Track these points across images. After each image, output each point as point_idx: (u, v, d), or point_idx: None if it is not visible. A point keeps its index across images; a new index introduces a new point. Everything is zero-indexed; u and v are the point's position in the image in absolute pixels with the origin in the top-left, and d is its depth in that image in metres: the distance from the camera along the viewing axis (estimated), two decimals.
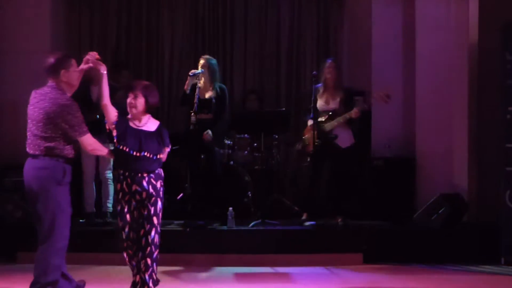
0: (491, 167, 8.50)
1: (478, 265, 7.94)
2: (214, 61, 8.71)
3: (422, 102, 9.36)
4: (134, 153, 5.81)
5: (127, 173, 5.84)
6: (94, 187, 8.59)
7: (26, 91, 9.63)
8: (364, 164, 9.71)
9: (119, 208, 5.92)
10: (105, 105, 5.88)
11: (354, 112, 8.44)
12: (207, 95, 8.58)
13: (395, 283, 7.15)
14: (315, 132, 8.46)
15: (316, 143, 8.43)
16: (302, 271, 7.71)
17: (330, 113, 8.59)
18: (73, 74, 5.81)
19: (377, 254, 8.06)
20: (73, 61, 5.85)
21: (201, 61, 8.62)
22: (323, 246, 8.14)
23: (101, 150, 5.89)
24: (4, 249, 8.03)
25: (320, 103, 8.64)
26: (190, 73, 8.48)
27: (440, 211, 8.45)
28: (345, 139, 8.57)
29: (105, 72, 5.92)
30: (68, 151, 5.69)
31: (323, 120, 8.59)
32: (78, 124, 5.66)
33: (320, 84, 8.71)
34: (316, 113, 8.57)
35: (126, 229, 5.88)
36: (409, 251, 8.14)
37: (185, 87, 8.54)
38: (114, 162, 5.73)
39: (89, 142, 5.75)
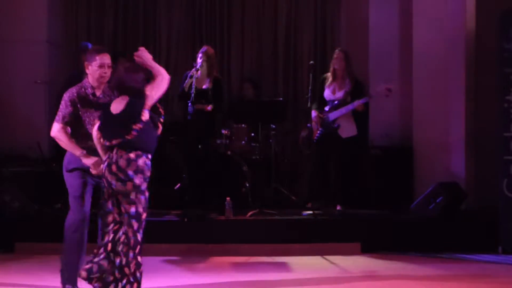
0: (489, 155, 8.51)
1: (475, 253, 7.95)
2: (213, 52, 8.72)
3: (420, 91, 9.35)
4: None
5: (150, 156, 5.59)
6: None
7: (24, 81, 9.77)
8: (362, 153, 9.71)
9: (148, 195, 5.55)
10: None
11: (357, 107, 8.46)
12: (204, 86, 8.58)
13: (393, 272, 7.16)
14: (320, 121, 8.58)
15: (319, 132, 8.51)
16: (300, 260, 7.72)
17: (336, 103, 8.59)
18: (93, 68, 5.85)
19: (375, 243, 8.07)
20: (99, 56, 5.84)
21: (200, 54, 8.63)
22: (321, 235, 8.15)
23: (62, 141, 5.79)
24: (2, 239, 8.03)
25: (327, 93, 8.66)
26: (190, 74, 8.47)
27: (437, 200, 8.46)
28: (347, 129, 8.58)
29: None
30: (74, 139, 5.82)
31: (327, 109, 8.61)
32: (59, 110, 5.81)
33: (328, 74, 8.74)
34: (323, 102, 8.65)
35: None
36: (407, 240, 8.15)
37: (184, 85, 8.55)
38: (142, 146, 5.48)
39: (53, 128, 5.80)
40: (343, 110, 8.52)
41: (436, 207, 8.44)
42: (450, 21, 9.10)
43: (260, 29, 10.91)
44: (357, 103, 8.45)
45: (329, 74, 8.72)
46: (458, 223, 8.29)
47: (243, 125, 9.35)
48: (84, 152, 5.73)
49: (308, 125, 8.83)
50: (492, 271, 7.25)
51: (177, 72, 9.72)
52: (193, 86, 8.34)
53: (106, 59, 5.87)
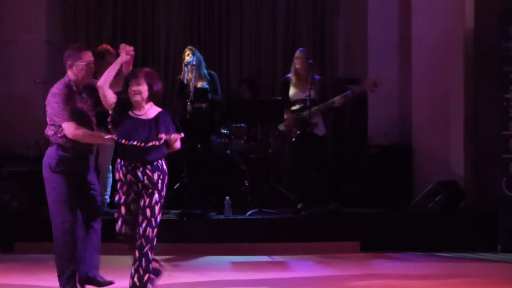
0: (488, 154, 8.51)
1: (475, 252, 7.96)
2: (197, 51, 8.78)
3: (418, 89, 9.35)
4: (123, 142, 5.56)
5: (122, 162, 5.66)
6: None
7: (22, 81, 9.77)
8: (361, 152, 9.72)
9: (116, 198, 5.73)
10: (101, 87, 5.67)
11: (337, 101, 8.44)
12: (199, 84, 8.60)
13: (392, 271, 7.18)
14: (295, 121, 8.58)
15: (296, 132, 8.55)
16: (299, 259, 7.73)
17: (307, 101, 8.54)
18: (78, 67, 5.81)
19: (374, 242, 8.07)
20: (82, 54, 5.82)
21: (187, 52, 8.65)
22: (320, 234, 8.15)
23: (84, 138, 5.77)
24: (2, 239, 8.03)
25: (294, 92, 8.65)
26: (185, 63, 8.51)
27: (436, 199, 8.47)
28: (320, 127, 8.61)
29: (121, 61, 5.79)
30: (63, 139, 5.74)
31: (299, 108, 8.60)
32: (59, 111, 5.71)
33: (290, 75, 8.74)
34: (288, 103, 8.64)
35: (119, 223, 5.68)
36: (406, 239, 8.15)
37: (182, 78, 8.57)
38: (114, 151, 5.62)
39: (68, 129, 5.70)
40: (321, 107, 8.51)
41: (435, 206, 8.45)
42: (449, 19, 9.10)
43: (258, 30, 10.91)
44: (338, 98, 8.43)
45: (291, 75, 8.72)
46: (457, 221, 8.30)
47: (242, 124, 9.36)
48: (105, 135, 5.74)
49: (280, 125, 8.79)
50: (491, 270, 7.26)
51: (176, 72, 9.73)
52: (192, 85, 8.36)
53: (89, 56, 5.87)
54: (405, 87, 9.62)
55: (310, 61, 8.66)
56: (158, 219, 5.70)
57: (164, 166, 5.72)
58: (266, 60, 10.92)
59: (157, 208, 5.69)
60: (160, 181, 5.67)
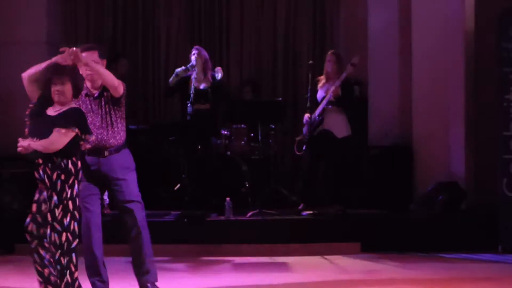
0: (488, 155, 8.50)
1: (475, 253, 7.96)
2: (204, 51, 8.75)
3: (419, 90, 9.34)
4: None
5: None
6: None
7: (22, 82, 9.74)
8: (361, 153, 9.71)
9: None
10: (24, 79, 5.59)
11: (332, 91, 8.43)
12: (201, 86, 8.60)
13: (393, 272, 7.17)
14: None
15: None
16: (300, 260, 7.72)
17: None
18: (82, 69, 5.78)
19: (375, 243, 8.07)
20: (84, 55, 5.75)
21: (193, 51, 8.65)
22: (320, 235, 8.15)
23: None
24: (2, 240, 8.04)
25: (320, 94, 8.66)
26: (176, 70, 8.56)
27: (437, 200, 8.46)
28: (340, 129, 8.59)
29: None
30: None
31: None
32: None
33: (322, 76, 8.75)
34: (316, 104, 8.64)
35: (28, 219, 5.32)
36: (407, 240, 8.15)
37: (170, 80, 8.60)
38: None
39: None
40: (324, 102, 8.52)
41: (435, 207, 8.44)
42: (449, 20, 9.09)
43: (259, 30, 10.93)
44: (331, 89, 8.42)
45: (322, 77, 8.72)
46: (458, 222, 8.30)
47: (242, 125, 9.36)
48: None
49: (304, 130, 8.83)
50: (492, 270, 7.25)
51: None
52: (192, 86, 8.38)
53: (89, 56, 5.77)
54: (405, 88, 9.61)
55: (310, 61, 8.68)
56: (65, 223, 5.19)
57: (70, 166, 5.26)
58: (266, 60, 10.93)
59: (57, 211, 5.19)
60: (59, 181, 5.22)
